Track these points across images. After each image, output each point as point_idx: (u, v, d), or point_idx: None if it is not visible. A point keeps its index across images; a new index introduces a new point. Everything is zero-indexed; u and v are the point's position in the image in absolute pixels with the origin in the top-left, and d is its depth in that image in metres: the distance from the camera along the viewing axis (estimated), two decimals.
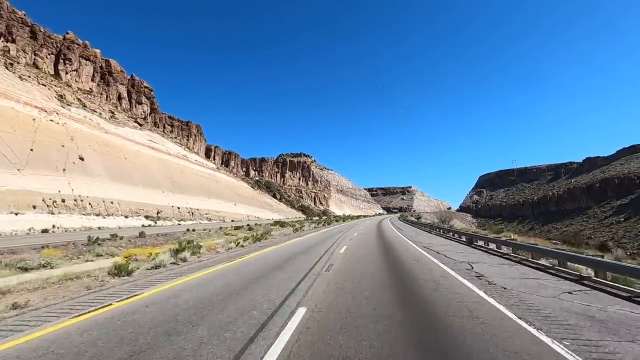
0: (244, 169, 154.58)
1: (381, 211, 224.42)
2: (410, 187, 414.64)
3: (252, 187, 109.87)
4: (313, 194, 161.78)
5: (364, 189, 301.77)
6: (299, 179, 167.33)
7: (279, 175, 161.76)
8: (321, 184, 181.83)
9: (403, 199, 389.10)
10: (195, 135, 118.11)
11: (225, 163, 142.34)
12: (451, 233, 26.85)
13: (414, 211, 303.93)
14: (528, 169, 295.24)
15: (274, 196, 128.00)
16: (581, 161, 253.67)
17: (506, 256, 13.34)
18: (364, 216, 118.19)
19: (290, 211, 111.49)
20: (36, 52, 67.72)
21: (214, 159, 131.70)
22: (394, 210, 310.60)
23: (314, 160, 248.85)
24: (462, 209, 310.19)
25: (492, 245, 15.92)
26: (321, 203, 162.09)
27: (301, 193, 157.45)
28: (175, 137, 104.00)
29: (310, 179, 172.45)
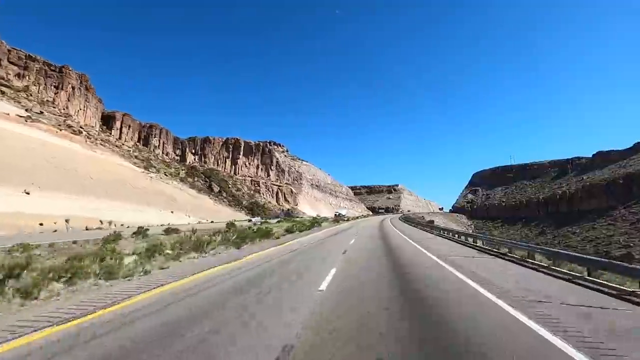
0: (178, 151, 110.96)
1: (339, 211, 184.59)
2: (397, 185, 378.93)
3: (147, 167, 66.77)
4: (275, 188, 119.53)
5: (347, 187, 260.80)
6: (258, 167, 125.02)
7: (228, 161, 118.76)
8: (290, 175, 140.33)
9: (389, 198, 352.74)
10: (75, 89, 73.81)
11: (145, 140, 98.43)
12: None
13: (407, 211, 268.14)
14: (528, 165, 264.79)
15: (210, 187, 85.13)
16: (591, 156, 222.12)
17: None
18: (336, 220, 71.21)
19: (223, 210, 69.61)
20: None
21: (120, 132, 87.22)
22: (379, 211, 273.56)
23: (286, 150, 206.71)
24: (455, 209, 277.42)
25: None
26: (286, 200, 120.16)
27: (258, 185, 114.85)
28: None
29: (274, 168, 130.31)
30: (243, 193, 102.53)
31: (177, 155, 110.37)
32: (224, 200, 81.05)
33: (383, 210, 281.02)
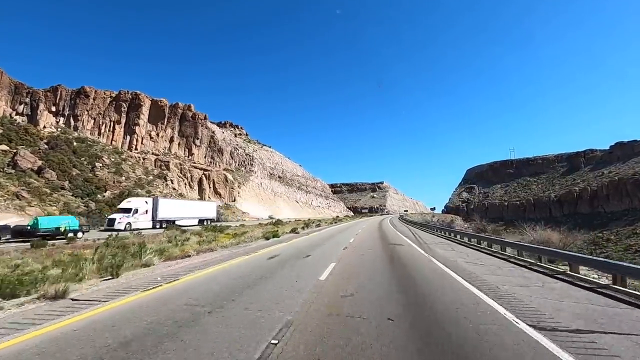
0: (24, 107, 63.88)
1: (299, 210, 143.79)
2: (382, 183, 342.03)
3: None
4: (198, 173, 74.52)
5: (323, 182, 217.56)
6: (173, 140, 79.50)
7: (120, 127, 72.46)
8: (233, 158, 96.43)
9: (373, 197, 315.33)
10: None
11: None
12: None
13: (405, 212, 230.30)
14: (531, 159, 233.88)
15: (13, 164, 39.46)
16: (609, 147, 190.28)
17: None
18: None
19: None
20: None
21: None
22: (362, 211, 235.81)
23: (244, 133, 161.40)
24: (448, 209, 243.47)
25: None
26: (217, 192, 75.48)
27: (167, 168, 69.44)
28: None
29: (203, 144, 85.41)
30: (127, 178, 57.44)
31: (20, 114, 63.58)
32: (22, 188, 36.59)
33: (367, 211, 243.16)
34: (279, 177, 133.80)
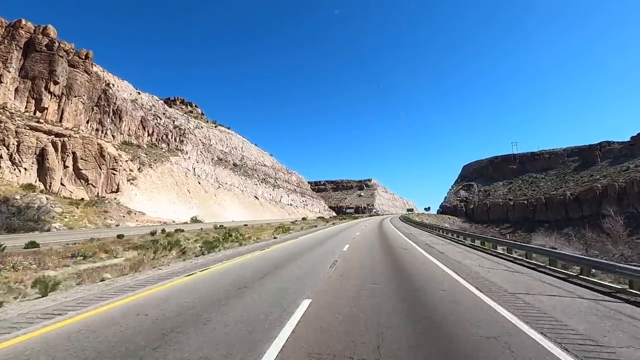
0: None
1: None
2: (369, 180, 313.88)
3: None
4: (46, 139, 40.91)
5: (300, 176, 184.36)
6: (3, 81, 45.27)
7: None
8: (146, 129, 62.97)
9: (360, 195, 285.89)
10: None
11: None
12: None
13: (408, 211, 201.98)
14: (536, 154, 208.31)
15: None
16: (630, 139, 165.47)
17: None
18: None
19: None
20: None
21: None
22: (347, 211, 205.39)
23: (201, 112, 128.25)
24: (444, 209, 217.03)
25: None
26: (82, 177, 42.32)
27: None
28: None
29: (73, 95, 50.82)
30: None
31: None
32: None
33: (352, 211, 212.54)
34: (235, 164, 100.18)
